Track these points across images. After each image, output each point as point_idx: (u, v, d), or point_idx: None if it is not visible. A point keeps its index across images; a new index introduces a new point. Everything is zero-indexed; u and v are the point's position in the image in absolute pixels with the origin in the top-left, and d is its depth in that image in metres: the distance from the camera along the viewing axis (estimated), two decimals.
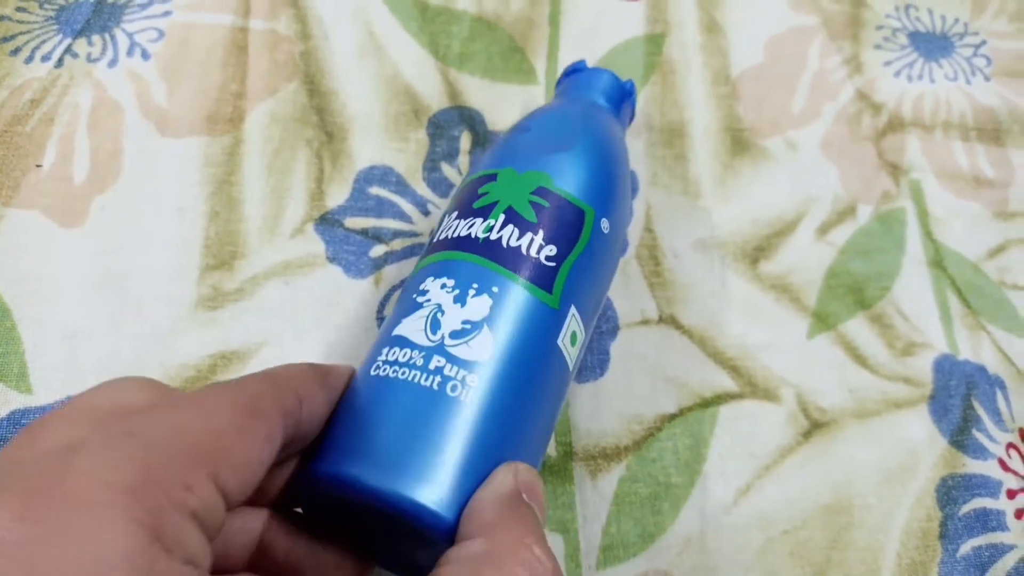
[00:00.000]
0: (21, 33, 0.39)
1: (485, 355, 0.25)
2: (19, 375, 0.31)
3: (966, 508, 0.33)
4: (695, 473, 0.33)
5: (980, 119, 0.43)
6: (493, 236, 0.27)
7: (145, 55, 0.39)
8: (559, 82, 0.37)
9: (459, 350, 0.25)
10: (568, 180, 0.29)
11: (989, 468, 0.34)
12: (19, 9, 0.40)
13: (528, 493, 0.23)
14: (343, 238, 0.36)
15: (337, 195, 0.37)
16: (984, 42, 0.46)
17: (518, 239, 0.27)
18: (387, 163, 0.38)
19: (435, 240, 0.29)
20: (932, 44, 0.46)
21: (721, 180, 0.40)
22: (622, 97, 0.36)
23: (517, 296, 0.26)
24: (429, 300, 0.26)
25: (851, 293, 0.38)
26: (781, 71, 0.44)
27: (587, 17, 0.44)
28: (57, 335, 0.32)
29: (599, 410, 0.34)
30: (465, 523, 0.22)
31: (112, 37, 0.39)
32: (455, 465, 0.23)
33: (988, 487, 0.34)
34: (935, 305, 0.38)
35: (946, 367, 0.36)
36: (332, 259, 0.35)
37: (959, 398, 0.36)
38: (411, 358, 0.24)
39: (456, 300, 0.26)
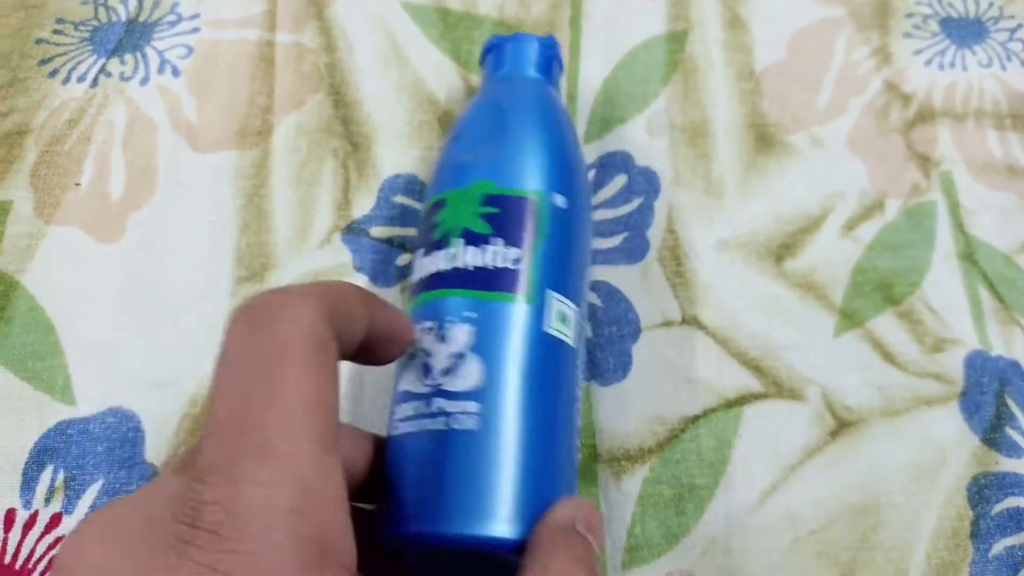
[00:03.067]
0: (58, 55, 0.40)
1: (475, 379, 0.26)
2: (63, 388, 0.33)
3: (999, 507, 0.33)
4: (719, 474, 0.33)
5: (1015, 106, 0.42)
6: (459, 264, 0.28)
7: (175, 72, 0.40)
8: (481, 65, 0.37)
9: (454, 384, 0.26)
10: (508, 176, 0.30)
11: (1023, 467, 0.34)
12: (56, 32, 0.41)
13: (584, 525, 0.24)
14: (369, 247, 0.37)
15: (363, 204, 0.38)
16: (1020, 26, 0.45)
17: (481, 257, 0.28)
18: (411, 171, 0.39)
19: (411, 285, 0.30)
20: (965, 30, 0.45)
21: (745, 178, 0.40)
22: (546, 57, 0.36)
23: (492, 310, 0.27)
24: (418, 348, 0.27)
25: (879, 289, 0.37)
26: (806, 65, 0.43)
27: (608, 17, 0.44)
28: (97, 348, 0.34)
29: (622, 412, 0.34)
30: (526, 555, 0.23)
31: (143, 55, 0.41)
32: (497, 486, 0.25)
33: (1022, 486, 0.33)
34: (966, 300, 0.37)
35: (978, 363, 0.36)
36: (359, 268, 0.36)
37: (991, 395, 0.35)
38: (417, 409, 0.26)
39: (437, 339, 0.26)
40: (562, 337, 0.28)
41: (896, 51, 0.44)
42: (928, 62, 0.43)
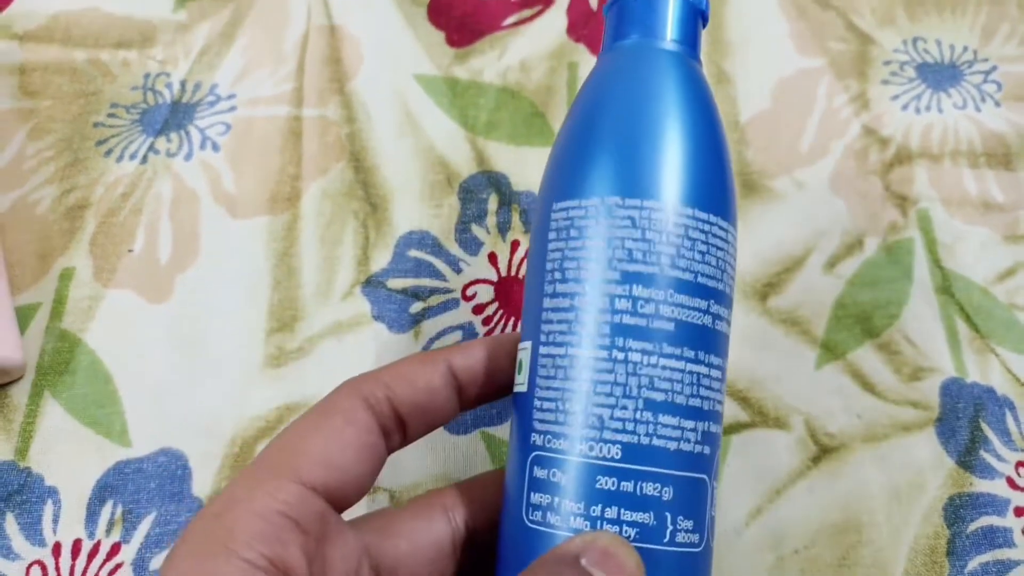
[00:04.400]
0: (113, 136, 0.46)
1: None
2: (120, 432, 0.37)
3: (973, 526, 0.35)
4: None
5: (989, 144, 0.45)
6: None
7: (215, 147, 0.45)
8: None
9: None
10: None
11: (996, 487, 0.36)
12: (110, 116, 0.47)
13: (594, 560, 0.19)
14: (386, 298, 0.41)
15: (380, 259, 0.42)
16: (994, 68, 0.48)
17: None
18: (424, 228, 0.43)
19: None
20: (940, 74, 0.47)
21: None
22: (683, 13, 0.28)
23: None
24: None
25: (859, 323, 0.40)
26: (789, 114, 0.46)
27: None
28: (150, 396, 0.38)
29: None
30: None
31: (187, 133, 0.46)
32: None
33: (995, 505, 0.35)
34: (943, 330, 0.40)
35: (953, 390, 0.38)
36: (377, 317, 0.40)
37: (966, 420, 0.37)
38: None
39: None
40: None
41: (874, 97, 0.47)
42: (905, 107, 0.46)
